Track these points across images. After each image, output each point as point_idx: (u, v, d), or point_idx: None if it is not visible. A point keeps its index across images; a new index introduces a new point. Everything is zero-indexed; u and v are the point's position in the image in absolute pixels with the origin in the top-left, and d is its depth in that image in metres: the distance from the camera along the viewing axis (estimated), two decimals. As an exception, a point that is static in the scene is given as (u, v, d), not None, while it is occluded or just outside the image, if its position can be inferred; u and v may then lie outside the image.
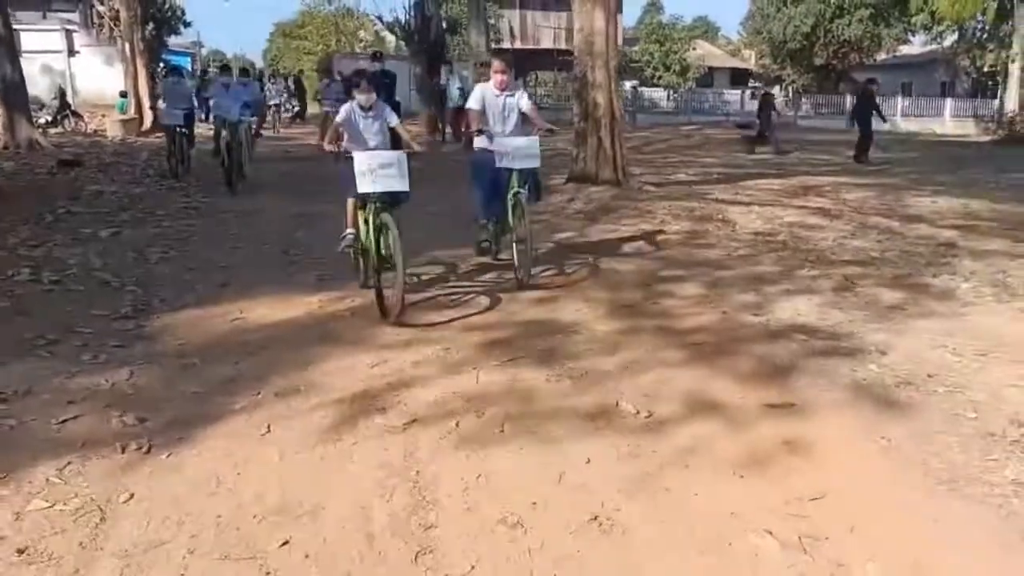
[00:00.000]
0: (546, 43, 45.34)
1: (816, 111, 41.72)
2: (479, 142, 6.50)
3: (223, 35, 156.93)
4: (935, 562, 2.81)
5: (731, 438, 3.80)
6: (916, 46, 45.09)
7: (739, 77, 53.56)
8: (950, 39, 39.53)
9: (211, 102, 13.37)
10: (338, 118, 6.15)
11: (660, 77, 47.06)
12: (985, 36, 35.70)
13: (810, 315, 5.75)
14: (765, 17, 47.03)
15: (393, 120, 6.23)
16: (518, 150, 6.43)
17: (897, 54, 46.76)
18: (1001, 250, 7.96)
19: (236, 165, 11.96)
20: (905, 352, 4.92)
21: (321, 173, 11.98)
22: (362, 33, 59.02)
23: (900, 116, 38.20)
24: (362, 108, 6.07)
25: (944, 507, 3.16)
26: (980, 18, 33.42)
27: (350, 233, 6.16)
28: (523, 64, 37.44)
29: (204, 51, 58.84)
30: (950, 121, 37.51)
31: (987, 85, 42.04)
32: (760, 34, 49.06)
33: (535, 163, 6.57)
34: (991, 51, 35.41)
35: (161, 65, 28.37)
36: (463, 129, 14.33)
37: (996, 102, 36.19)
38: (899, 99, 39.86)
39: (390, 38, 54.67)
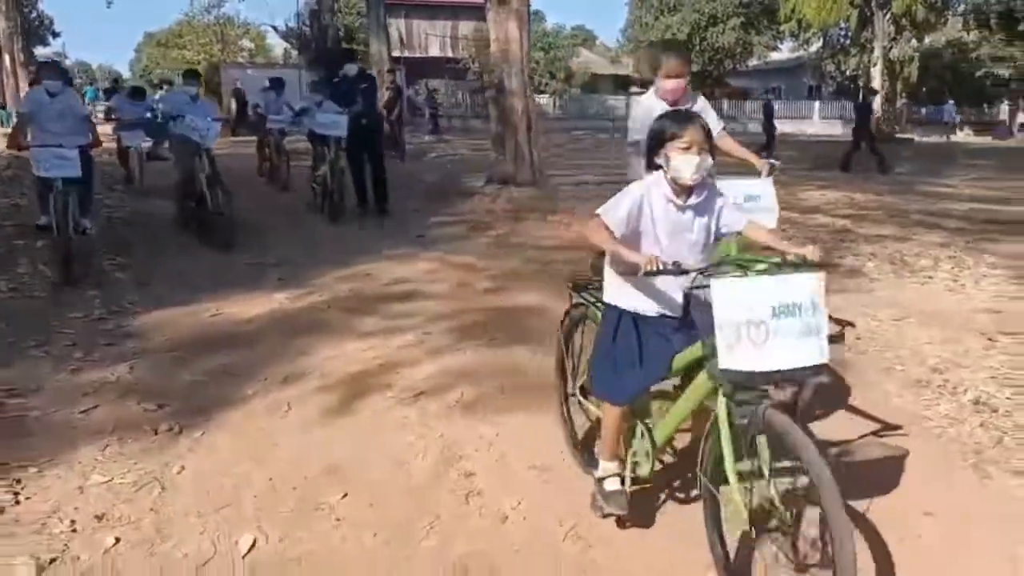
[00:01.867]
0: (434, 51, 45.83)
1: None
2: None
3: (86, 45, 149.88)
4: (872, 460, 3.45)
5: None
6: (785, 52, 47.82)
7: (622, 83, 55.34)
8: (816, 45, 42.17)
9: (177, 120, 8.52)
10: None
11: (546, 84, 48.08)
12: (848, 42, 38.26)
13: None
14: (644, 26, 48.87)
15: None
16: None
17: (767, 60, 49.31)
18: (890, 234, 8.92)
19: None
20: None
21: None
22: (245, 42, 57.94)
23: (774, 119, 40.43)
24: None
25: (886, 431, 3.82)
26: (843, 25, 35.84)
27: None
28: (413, 72, 37.81)
29: (69, 62, 56.39)
30: (819, 122, 39.95)
31: (850, 88, 44.93)
32: (640, 42, 50.83)
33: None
34: (854, 56, 37.92)
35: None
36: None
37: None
38: (773, 103, 42.08)
39: (275, 47, 53.90)
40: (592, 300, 3.32)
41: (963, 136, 34.13)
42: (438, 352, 5.14)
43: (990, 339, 5.17)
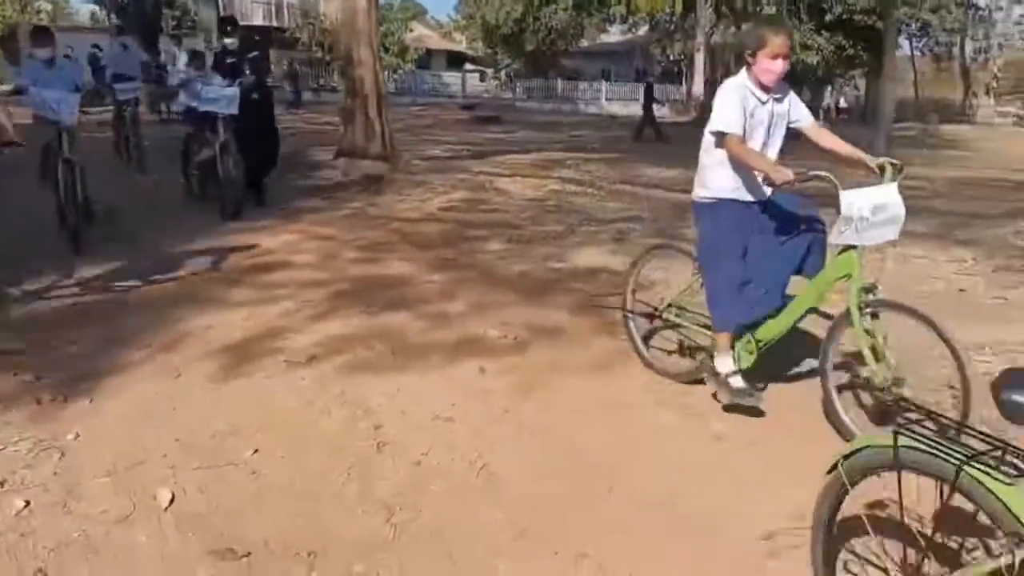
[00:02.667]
0: (258, 20, 44.28)
1: (529, 95, 44.21)
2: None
3: None
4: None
5: (579, 350, 4.73)
6: (615, 35, 49.55)
7: (455, 59, 55.52)
8: (643, 29, 44.02)
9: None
10: None
11: (380, 59, 47.40)
12: (673, 27, 40.17)
13: (603, 260, 6.87)
14: (478, 2, 49.11)
15: None
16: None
17: (598, 42, 50.96)
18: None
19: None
20: (679, 281, 6.14)
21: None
22: (41, 3, 53.79)
23: (605, 100, 41.99)
24: None
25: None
26: (669, 11, 37.59)
27: None
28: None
29: None
30: (648, 104, 41.77)
31: (674, 71, 47.22)
32: (473, 19, 51.09)
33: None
34: (679, 41, 39.89)
35: None
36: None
37: (683, 87, 41.01)
38: (603, 84, 43.62)
39: (81, 9, 50.18)
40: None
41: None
42: (320, 318, 5.24)
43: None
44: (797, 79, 40.69)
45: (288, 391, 4.09)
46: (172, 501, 3.08)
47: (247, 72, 8.70)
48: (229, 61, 8.86)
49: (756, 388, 3.88)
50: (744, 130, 3.62)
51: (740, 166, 3.68)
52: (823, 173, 3.46)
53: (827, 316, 3.90)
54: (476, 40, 54.04)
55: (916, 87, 38.72)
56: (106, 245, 7.05)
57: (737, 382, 3.77)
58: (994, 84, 36.53)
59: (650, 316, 4.44)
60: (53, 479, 3.22)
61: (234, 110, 8.27)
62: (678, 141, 19.94)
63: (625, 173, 13.06)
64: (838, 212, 3.40)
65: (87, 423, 3.70)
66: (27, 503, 3.04)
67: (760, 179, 3.65)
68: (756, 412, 3.77)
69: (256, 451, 3.46)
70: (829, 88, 40.25)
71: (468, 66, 54.55)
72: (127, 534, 2.88)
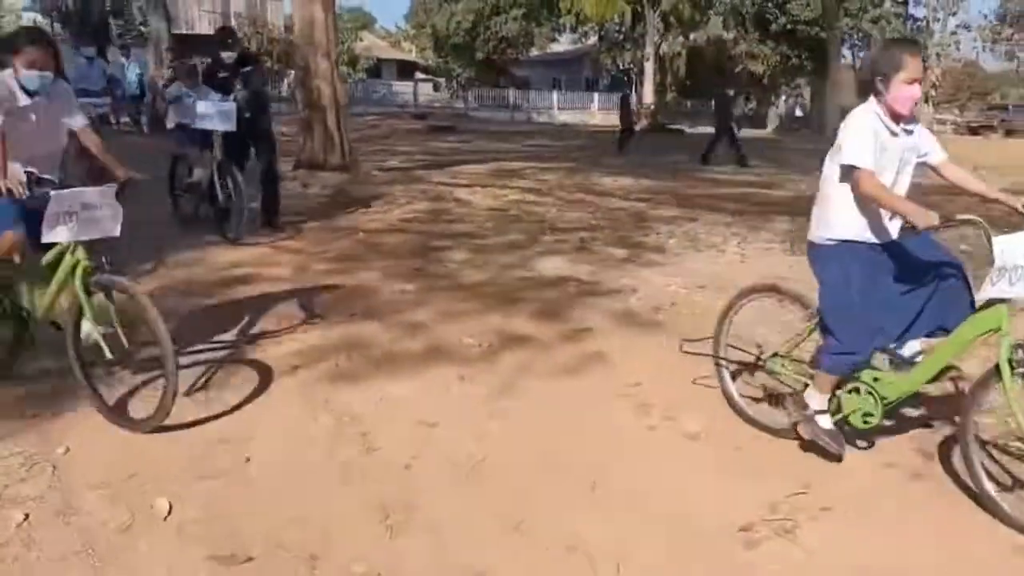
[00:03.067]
0: (203, 28, 43.85)
1: (481, 104, 44.33)
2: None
3: None
4: (708, 399, 4.13)
5: (550, 355, 4.91)
6: (565, 44, 50.14)
7: (406, 69, 55.57)
8: (593, 39, 44.62)
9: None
10: None
11: (338, 69, 47.12)
12: (622, 37, 40.82)
13: (566, 269, 7.07)
14: (428, 12, 49.32)
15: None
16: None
17: (548, 51, 51.47)
18: (681, 216, 9.98)
19: None
20: (648, 290, 6.38)
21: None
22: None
23: (556, 109, 42.40)
24: None
25: (712, 377, 4.54)
26: (618, 21, 38.26)
27: None
28: (184, 51, 36.12)
29: None
30: (598, 113, 42.28)
31: (623, 80, 47.89)
32: (423, 28, 51.24)
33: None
34: (628, 50, 40.53)
35: None
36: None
37: (634, 96, 41.57)
38: (554, 94, 44.03)
39: (23, 17, 49.07)
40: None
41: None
42: (298, 329, 5.33)
43: (780, 301, 6.07)
44: (743, 88, 41.67)
45: (274, 400, 4.18)
46: (170, 511, 3.17)
47: (240, 86, 7.96)
48: (221, 76, 8.08)
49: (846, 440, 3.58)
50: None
51: (868, 205, 3.33)
52: (972, 217, 3.10)
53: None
54: (426, 49, 54.16)
55: (858, 96, 39.76)
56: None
57: (825, 422, 3.50)
58: (933, 93, 37.73)
59: (749, 365, 4.17)
60: (49, 492, 3.28)
61: (231, 126, 7.64)
62: (630, 150, 20.35)
63: (582, 182, 13.31)
64: (990, 263, 3.03)
65: (76, 437, 3.75)
66: (26, 516, 3.10)
67: (887, 219, 3.36)
68: (835, 458, 3.52)
69: (248, 459, 3.56)
70: (783, 98, 41.22)
71: (419, 75, 54.65)
72: (129, 543, 2.96)
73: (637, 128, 31.64)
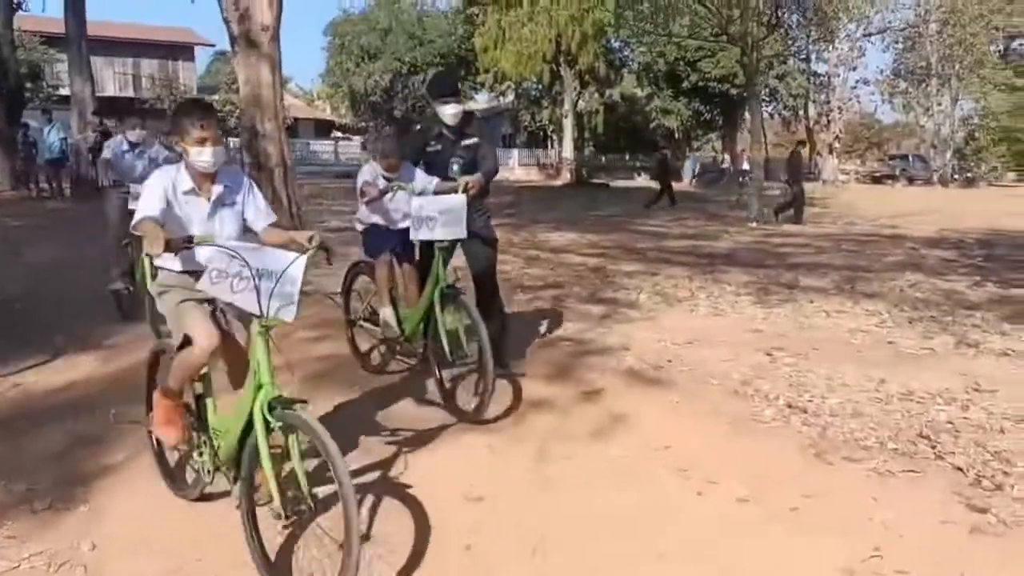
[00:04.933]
0: (111, 90, 42.90)
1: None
2: None
3: None
4: (742, 459, 4.14)
5: (572, 419, 4.83)
6: (482, 102, 50.78)
7: (323, 127, 55.26)
8: (511, 96, 45.37)
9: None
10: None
11: (283, 130, 46.36)
12: (540, 95, 41.63)
13: (552, 328, 7.03)
14: (345, 71, 49.34)
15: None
16: None
17: (466, 108, 51.95)
18: (640, 271, 10.10)
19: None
20: (640, 347, 6.38)
21: None
22: None
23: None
24: None
25: (741, 433, 4.55)
26: (536, 79, 39.02)
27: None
28: (111, 114, 35.13)
29: None
30: (518, 168, 42.90)
31: (540, 137, 48.78)
32: (340, 87, 51.21)
33: None
34: (546, 107, 41.31)
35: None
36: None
37: (553, 151, 42.39)
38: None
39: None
40: None
41: (643, 181, 38.37)
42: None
43: (768, 354, 6.18)
44: (656, 143, 42.93)
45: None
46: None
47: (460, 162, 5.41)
48: (433, 147, 5.44)
49: None
50: None
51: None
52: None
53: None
54: (338, 108, 53.99)
55: (766, 149, 41.53)
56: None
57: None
58: (836, 144, 39.68)
59: None
60: (89, 597, 3.04)
61: (463, 231, 4.86)
62: (558, 203, 20.62)
63: (529, 238, 13.38)
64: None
65: (95, 533, 3.49)
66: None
67: None
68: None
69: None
70: (713, 152, 42.43)
71: (337, 133, 54.44)
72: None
73: (558, 183, 32.15)
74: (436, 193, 5.02)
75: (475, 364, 4.92)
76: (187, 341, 3.38)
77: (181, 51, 45.93)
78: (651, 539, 3.43)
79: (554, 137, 45.46)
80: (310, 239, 3.25)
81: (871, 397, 5.16)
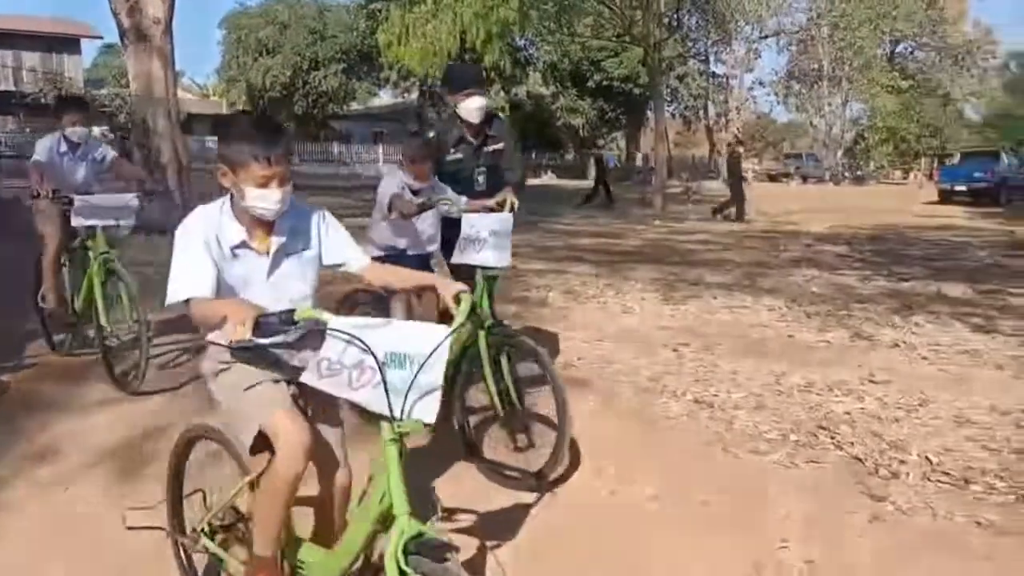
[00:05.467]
0: (-1, 85, 40.87)
1: (302, 158, 43.06)
2: None
3: None
4: (652, 456, 4.18)
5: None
6: (387, 98, 50.28)
7: (219, 123, 53.56)
8: (415, 92, 45.05)
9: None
10: None
11: (179, 126, 44.52)
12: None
13: (462, 328, 6.97)
14: (242, 66, 47.99)
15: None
16: None
17: (370, 105, 51.39)
18: (549, 269, 10.14)
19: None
20: (550, 346, 6.35)
21: None
22: None
23: (382, 162, 42.35)
24: None
25: (650, 430, 4.60)
26: (442, 76, 38.80)
27: None
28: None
29: None
30: (424, 166, 42.49)
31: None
32: (237, 82, 49.75)
33: None
34: (452, 105, 41.08)
35: None
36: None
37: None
38: (380, 147, 43.92)
39: None
40: None
41: (550, 179, 38.69)
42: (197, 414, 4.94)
43: (675, 350, 6.28)
44: (560, 141, 43.41)
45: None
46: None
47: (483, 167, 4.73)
48: (454, 156, 4.68)
49: None
50: None
51: None
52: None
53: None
54: (235, 104, 52.43)
55: (668, 147, 42.49)
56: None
57: None
58: (735, 143, 40.80)
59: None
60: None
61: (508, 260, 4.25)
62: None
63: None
64: None
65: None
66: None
67: None
68: None
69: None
70: (618, 150, 42.98)
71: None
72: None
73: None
74: (465, 212, 4.16)
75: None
76: (260, 444, 2.41)
77: (66, 43, 43.89)
78: (564, 540, 3.42)
79: (460, 135, 45.32)
80: (456, 297, 2.43)
81: (773, 390, 5.29)
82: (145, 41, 11.69)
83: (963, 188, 26.03)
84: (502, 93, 38.45)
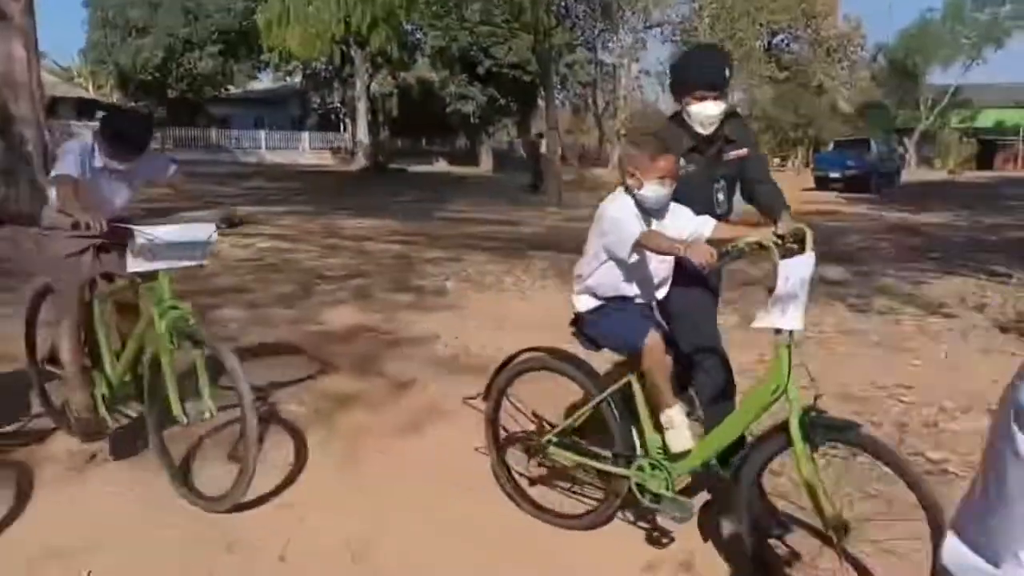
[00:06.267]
0: None
1: (177, 144, 41.06)
2: None
3: None
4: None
5: (384, 414, 4.65)
6: (267, 82, 48.63)
7: (86, 107, 50.82)
8: (299, 77, 43.89)
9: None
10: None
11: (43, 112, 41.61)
12: (331, 75, 40.53)
13: (358, 318, 6.79)
14: (110, 47, 45.52)
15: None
16: None
17: (249, 89, 49.55)
18: (444, 257, 10.02)
19: None
20: (449, 334, 6.29)
21: None
22: None
23: (265, 148, 41.11)
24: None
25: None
26: (325, 59, 37.90)
27: None
28: None
29: None
30: (309, 152, 41.55)
31: (331, 120, 47.52)
32: (105, 63, 47.21)
33: None
34: (337, 89, 40.29)
35: None
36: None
37: (347, 135, 41.44)
38: (262, 133, 42.54)
39: None
40: None
41: (442, 166, 38.40)
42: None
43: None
44: (451, 127, 43.14)
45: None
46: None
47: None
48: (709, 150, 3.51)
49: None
50: None
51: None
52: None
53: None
54: (103, 87, 49.78)
55: (559, 135, 42.91)
56: None
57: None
58: (622, 131, 41.53)
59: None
60: None
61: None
62: (353, 189, 20.19)
63: (328, 225, 12.99)
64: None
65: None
66: None
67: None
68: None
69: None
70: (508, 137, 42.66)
71: (100, 114, 50.10)
72: None
73: (354, 168, 31.46)
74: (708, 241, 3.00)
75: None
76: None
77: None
78: (478, 535, 3.34)
79: (347, 120, 44.45)
80: None
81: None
82: (3, 20, 10.89)
83: (837, 175, 27.23)
84: (390, 78, 37.90)
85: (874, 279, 8.95)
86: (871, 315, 7.14)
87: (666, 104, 62.49)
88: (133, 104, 47.04)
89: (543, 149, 20.96)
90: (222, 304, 7.29)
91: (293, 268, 9.02)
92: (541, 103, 40.31)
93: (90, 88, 53.28)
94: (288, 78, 45.50)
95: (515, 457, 3.62)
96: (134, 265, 3.56)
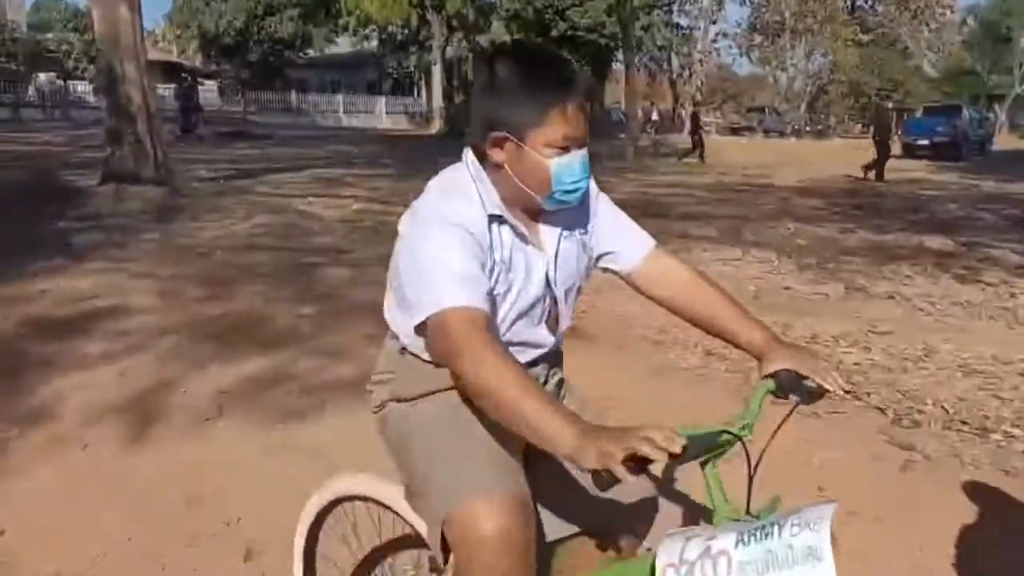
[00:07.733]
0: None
1: (260, 108, 41.69)
2: None
3: None
4: (675, 407, 4.15)
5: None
6: (344, 46, 49.05)
7: (170, 71, 52.00)
8: (375, 41, 44.12)
9: None
10: None
11: (85, 69, 43.19)
12: (406, 40, 40.62)
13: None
14: (194, 11, 46.44)
15: None
16: None
17: (327, 53, 50.11)
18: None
19: None
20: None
21: None
22: None
23: (342, 112, 41.52)
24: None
25: (667, 383, 4.60)
26: (402, 23, 38.02)
27: None
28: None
29: None
30: (385, 117, 41.87)
31: (405, 84, 47.73)
32: (188, 28, 48.19)
33: None
34: (413, 53, 40.38)
35: None
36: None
37: (422, 99, 41.58)
38: (340, 97, 42.95)
39: None
40: None
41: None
42: (205, 364, 4.81)
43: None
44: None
45: (222, 446, 3.74)
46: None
47: None
48: None
49: None
50: None
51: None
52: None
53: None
54: (186, 51, 50.78)
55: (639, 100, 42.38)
56: None
57: None
58: (698, 96, 40.80)
59: None
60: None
61: None
62: (430, 153, 20.23)
63: (417, 189, 13.09)
64: None
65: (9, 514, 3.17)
66: None
67: None
68: None
69: (229, 523, 3.13)
70: None
71: (186, 77, 51.23)
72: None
73: (432, 133, 31.48)
74: None
75: None
76: None
77: (6, -15, 42.13)
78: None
79: (421, 85, 44.59)
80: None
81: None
82: (108, -20, 11.21)
83: (926, 142, 26.32)
84: (465, 42, 37.80)
85: (977, 250, 8.69)
86: (983, 288, 6.95)
87: (740, 67, 61.29)
88: (215, 67, 48.11)
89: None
90: (327, 263, 7.50)
91: (390, 231, 9.15)
92: (616, 67, 40.03)
93: (174, 51, 54.53)
94: (365, 42, 45.79)
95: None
96: None
